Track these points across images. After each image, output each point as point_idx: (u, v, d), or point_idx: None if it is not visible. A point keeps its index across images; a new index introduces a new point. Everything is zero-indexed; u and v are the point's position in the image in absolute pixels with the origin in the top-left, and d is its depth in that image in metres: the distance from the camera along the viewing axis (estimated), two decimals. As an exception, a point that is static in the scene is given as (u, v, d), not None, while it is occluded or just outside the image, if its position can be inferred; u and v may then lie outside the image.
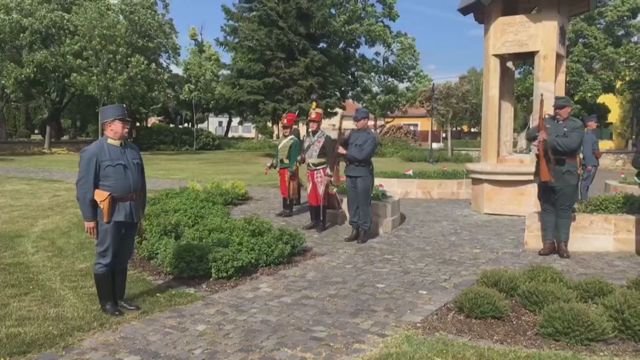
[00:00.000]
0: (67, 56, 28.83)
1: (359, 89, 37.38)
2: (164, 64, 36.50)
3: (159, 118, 52.44)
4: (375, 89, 38.44)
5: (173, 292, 5.05)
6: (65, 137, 44.63)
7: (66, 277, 5.56)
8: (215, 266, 5.43)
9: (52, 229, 8.24)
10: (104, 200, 4.34)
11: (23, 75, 28.52)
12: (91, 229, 4.40)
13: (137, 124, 45.30)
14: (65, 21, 29.34)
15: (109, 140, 4.47)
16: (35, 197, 11.83)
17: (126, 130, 4.51)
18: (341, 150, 7.52)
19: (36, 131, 58.18)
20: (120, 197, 4.41)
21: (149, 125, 48.08)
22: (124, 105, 4.64)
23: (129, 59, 29.05)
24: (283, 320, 4.37)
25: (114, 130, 4.46)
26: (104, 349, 3.77)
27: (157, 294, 4.96)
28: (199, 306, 4.70)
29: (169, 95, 40.08)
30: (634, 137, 34.23)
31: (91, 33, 27.65)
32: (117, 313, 4.43)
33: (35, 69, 28.78)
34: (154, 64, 31.32)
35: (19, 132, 56.02)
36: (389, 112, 39.70)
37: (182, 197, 9.12)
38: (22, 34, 28.71)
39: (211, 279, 5.43)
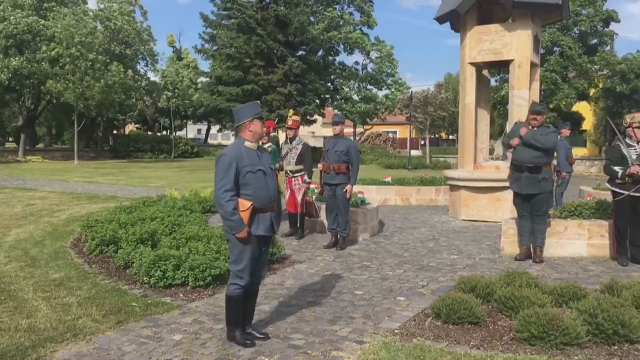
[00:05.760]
0: (43, 63, 28.39)
1: (338, 96, 37.51)
2: (142, 71, 36.16)
3: (137, 125, 51.91)
4: (355, 97, 38.63)
5: (149, 301, 4.98)
6: (40, 145, 43.89)
7: (39, 287, 5.45)
8: (192, 275, 5.38)
9: (25, 238, 8.09)
10: (245, 210, 3.88)
11: (-3, 82, 28.00)
12: (247, 233, 3.91)
13: (115, 131, 44.84)
14: (41, 27, 28.91)
15: (246, 143, 4.02)
16: (9, 205, 11.60)
17: (264, 129, 4.07)
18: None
19: (10, 139, 57.09)
20: (261, 208, 3.97)
21: (127, 132, 47.59)
22: (258, 102, 4.10)
23: (107, 67, 28.73)
24: (260, 328, 4.33)
25: (253, 131, 4.00)
26: (77, 360, 3.70)
27: (133, 304, 4.89)
28: (176, 315, 4.64)
29: (146, 103, 39.67)
30: (607, 144, 34.91)
31: (69, 40, 27.28)
32: (248, 343, 3.95)
33: (10, 75, 28.28)
34: (131, 70, 31.00)
35: (-8, 140, 54.91)
36: (368, 120, 39.91)
37: (160, 205, 9.03)
38: (-4, 40, 28.24)
39: (188, 288, 5.37)
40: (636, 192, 6.30)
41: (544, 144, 6.51)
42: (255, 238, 3.97)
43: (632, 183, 6.34)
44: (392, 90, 38.93)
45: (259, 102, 4.13)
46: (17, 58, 28.27)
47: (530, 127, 6.72)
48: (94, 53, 27.91)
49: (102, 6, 31.15)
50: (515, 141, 6.70)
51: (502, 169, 9.89)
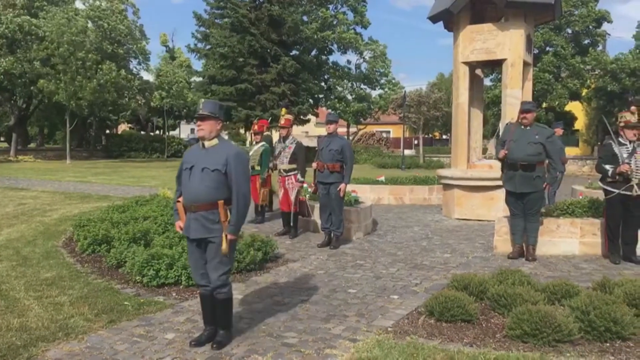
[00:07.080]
0: (34, 62, 28.21)
1: (332, 96, 37.51)
2: (134, 70, 35.97)
3: (130, 125, 51.65)
4: (348, 96, 38.65)
5: (142, 300, 4.96)
6: (32, 145, 43.60)
7: (31, 286, 5.42)
8: (186, 273, 5.36)
9: (16, 237, 8.04)
10: (179, 202, 4.07)
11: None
12: (179, 227, 4.09)
13: (107, 131, 44.61)
14: (32, 26, 28.71)
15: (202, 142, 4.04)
16: (0, 205, 11.52)
17: (200, 129, 3.91)
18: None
19: (2, 138, 56.73)
20: (186, 206, 4.00)
21: (119, 132, 47.36)
22: (202, 100, 3.96)
23: (99, 65, 28.57)
24: (254, 326, 4.33)
25: None
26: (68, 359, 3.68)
27: (125, 303, 4.86)
28: (169, 314, 4.62)
29: (139, 102, 39.47)
30: (599, 143, 35.06)
31: (60, 39, 27.10)
32: (192, 343, 3.96)
33: (1, 77, 28.07)
34: (123, 70, 30.84)
35: (-17, 140, 54.52)
36: (362, 119, 39.97)
37: (152, 205, 8.98)
38: (-13, 40, 28.02)
39: (181, 287, 5.36)
40: (626, 190, 6.35)
41: (561, 155, 6.83)
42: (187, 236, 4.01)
43: (622, 181, 6.38)
44: (386, 89, 38.98)
45: (203, 100, 4.01)
46: (7, 58, 28.06)
47: (522, 126, 6.76)
48: (84, 52, 27.72)
49: (88, 4, 30.92)
50: (502, 153, 6.77)
51: (495, 168, 9.91)
